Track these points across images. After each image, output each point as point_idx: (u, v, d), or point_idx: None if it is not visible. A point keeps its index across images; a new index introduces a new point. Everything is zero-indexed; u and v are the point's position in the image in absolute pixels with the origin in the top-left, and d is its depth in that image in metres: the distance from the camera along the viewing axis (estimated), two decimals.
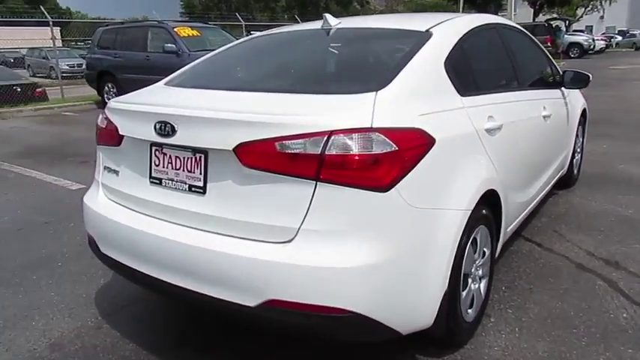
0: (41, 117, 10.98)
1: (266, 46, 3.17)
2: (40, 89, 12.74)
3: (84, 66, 13.80)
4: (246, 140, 1.86)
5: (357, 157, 1.78)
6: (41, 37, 18.59)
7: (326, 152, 1.76)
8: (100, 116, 2.49)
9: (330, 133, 1.77)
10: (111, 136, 2.36)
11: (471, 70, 2.65)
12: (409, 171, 1.86)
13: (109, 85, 11.51)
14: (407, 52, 2.30)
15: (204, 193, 2.04)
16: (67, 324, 2.72)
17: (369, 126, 1.81)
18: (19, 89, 12.09)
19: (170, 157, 2.14)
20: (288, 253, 1.81)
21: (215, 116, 1.96)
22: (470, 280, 2.36)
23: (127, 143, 2.31)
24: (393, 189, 1.82)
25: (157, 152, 2.18)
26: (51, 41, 13.90)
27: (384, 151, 1.80)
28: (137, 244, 2.17)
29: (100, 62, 11.67)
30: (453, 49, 2.45)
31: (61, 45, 23.37)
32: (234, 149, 1.88)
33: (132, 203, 2.30)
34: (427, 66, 2.28)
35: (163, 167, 2.17)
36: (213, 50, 3.16)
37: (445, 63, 2.34)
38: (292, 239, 1.83)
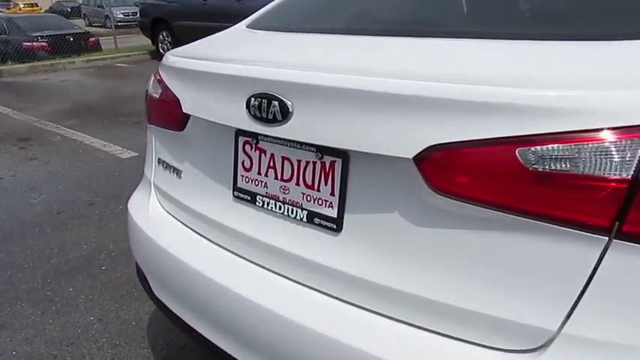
0: (93, 69, 10.32)
1: None
2: (93, 39, 12.07)
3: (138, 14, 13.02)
4: (450, 141, 0.88)
5: None
6: None
7: None
8: (152, 79, 1.56)
9: None
10: (169, 114, 1.43)
11: None
12: None
13: (164, 34, 10.69)
14: None
15: (337, 229, 1.09)
16: None
17: None
18: (71, 39, 11.45)
19: (273, 157, 1.20)
20: None
21: (380, 88, 0.96)
22: None
23: (194, 127, 1.38)
24: None
25: (247, 147, 1.25)
26: None
27: None
28: (207, 302, 1.27)
29: (154, 8, 10.81)
30: None
31: None
32: (417, 157, 0.91)
33: (202, 226, 1.39)
34: None
35: (259, 174, 1.23)
36: None
37: None
38: (538, 349, 0.87)
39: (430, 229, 0.95)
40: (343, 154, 1.05)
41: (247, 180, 1.26)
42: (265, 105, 1.09)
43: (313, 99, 1.04)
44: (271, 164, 1.20)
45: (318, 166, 1.10)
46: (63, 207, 3.45)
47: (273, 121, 1.09)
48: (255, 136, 1.21)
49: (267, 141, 1.19)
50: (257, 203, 1.24)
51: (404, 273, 0.98)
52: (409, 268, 0.98)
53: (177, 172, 1.48)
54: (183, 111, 1.34)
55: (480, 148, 0.87)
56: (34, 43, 10.87)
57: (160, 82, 1.48)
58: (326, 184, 1.10)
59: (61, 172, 4.15)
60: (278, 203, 1.20)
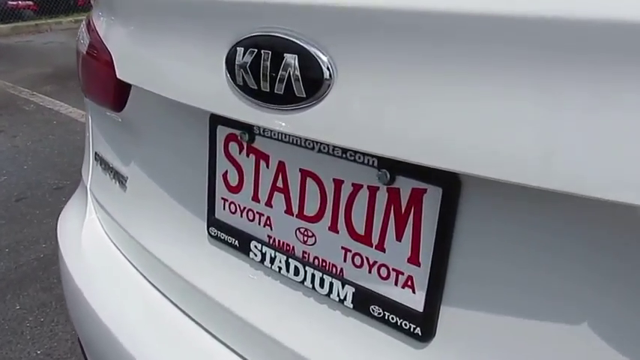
0: None
1: None
2: None
3: None
4: None
5: None
6: None
7: None
8: (82, 27, 0.95)
9: None
10: (101, 82, 0.83)
11: None
12: None
13: None
14: None
15: (424, 336, 0.50)
16: None
17: None
18: None
19: (283, 170, 0.59)
20: None
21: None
22: None
23: (139, 107, 0.78)
24: None
25: (232, 148, 0.65)
26: None
27: None
28: None
29: None
30: None
31: None
32: None
33: (159, 275, 0.81)
34: None
35: (255, 199, 0.64)
36: None
37: None
38: None
39: None
40: (448, 179, 0.45)
41: (233, 208, 0.67)
42: (268, 64, 0.49)
43: (389, 54, 0.43)
44: (279, 183, 0.60)
45: (383, 196, 0.51)
46: (24, 192, 2.87)
47: (283, 99, 0.49)
48: (246, 127, 0.61)
49: (271, 138, 0.59)
50: (251, 255, 0.65)
51: None
52: None
53: (120, 178, 0.88)
54: (117, 76, 0.73)
55: None
56: (20, 2, 10.12)
57: (90, 27, 0.87)
58: (400, 237, 0.50)
59: (28, 147, 3.55)
60: (292, 262, 0.60)
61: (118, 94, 0.77)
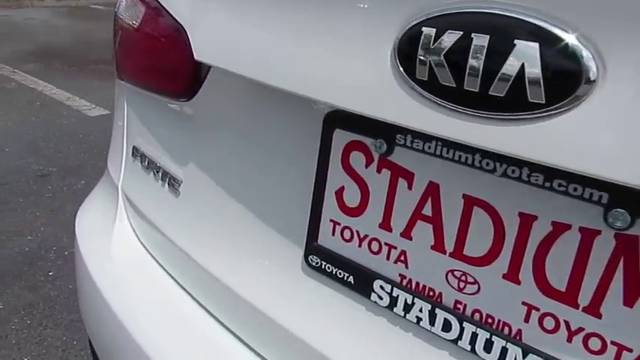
0: (65, 8, 9.19)
1: None
2: None
3: None
4: None
5: None
6: None
7: None
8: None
9: None
10: (162, 63, 0.67)
11: None
12: None
13: None
14: None
15: None
16: None
17: None
18: None
19: (435, 194, 0.45)
20: None
21: None
22: None
23: (217, 96, 0.62)
24: None
25: (356, 160, 0.50)
26: None
27: None
28: None
29: None
30: None
31: None
32: None
33: (226, 309, 0.66)
34: None
35: (384, 226, 0.50)
36: None
37: None
38: None
39: None
40: None
41: (348, 235, 0.52)
42: (482, 55, 0.35)
43: None
44: (426, 210, 0.46)
45: (607, 244, 0.37)
46: (5, 178, 2.65)
47: (502, 105, 0.35)
48: (382, 135, 0.47)
49: (420, 151, 0.45)
50: (373, 297, 0.51)
51: None
52: None
53: (172, 180, 0.73)
54: (196, 58, 0.58)
55: None
56: None
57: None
58: (631, 303, 0.37)
59: (10, 129, 3.31)
60: (442, 314, 0.46)
61: (188, 80, 0.62)
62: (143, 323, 0.71)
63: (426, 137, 0.45)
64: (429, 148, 0.45)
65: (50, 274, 1.92)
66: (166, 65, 0.64)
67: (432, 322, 0.47)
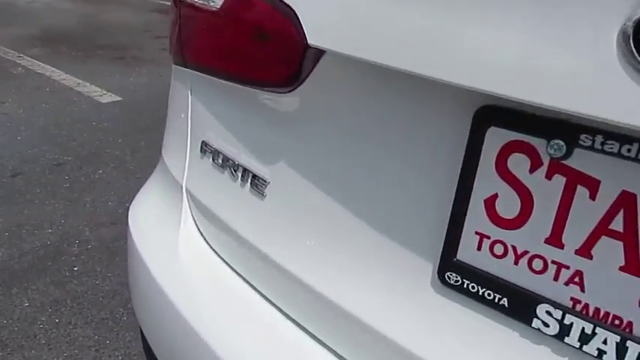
0: None
1: None
2: None
3: None
4: None
5: None
6: None
7: None
8: None
9: None
10: (265, 52, 0.59)
11: None
12: None
13: None
14: None
15: None
16: None
17: None
18: None
19: (628, 208, 0.38)
20: None
21: None
22: None
23: (326, 86, 0.54)
24: None
25: (519, 162, 0.42)
26: None
27: None
28: None
29: None
30: None
31: None
32: None
33: (319, 319, 0.59)
34: None
35: (556, 243, 0.42)
36: None
37: None
38: None
39: None
40: None
41: (501, 250, 0.45)
42: None
43: None
44: (615, 225, 0.39)
45: None
46: (20, 167, 2.57)
47: None
48: (559, 135, 0.39)
49: (610, 154, 0.38)
50: (536, 323, 0.43)
51: None
52: None
53: (256, 180, 0.65)
54: (309, 42, 0.50)
55: None
56: None
57: None
58: None
59: (20, 115, 3.22)
60: (635, 348, 0.39)
61: (294, 68, 0.54)
62: (219, 330, 0.65)
63: (625, 139, 0.37)
64: (629, 151, 0.37)
65: (75, 269, 1.85)
66: (266, 52, 0.56)
67: (619, 357, 0.40)
